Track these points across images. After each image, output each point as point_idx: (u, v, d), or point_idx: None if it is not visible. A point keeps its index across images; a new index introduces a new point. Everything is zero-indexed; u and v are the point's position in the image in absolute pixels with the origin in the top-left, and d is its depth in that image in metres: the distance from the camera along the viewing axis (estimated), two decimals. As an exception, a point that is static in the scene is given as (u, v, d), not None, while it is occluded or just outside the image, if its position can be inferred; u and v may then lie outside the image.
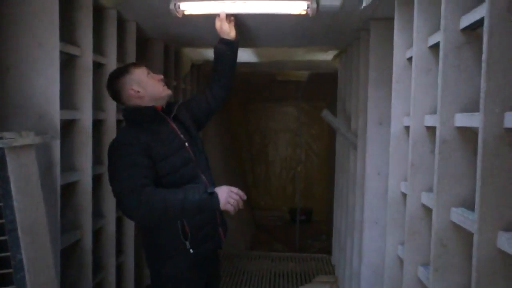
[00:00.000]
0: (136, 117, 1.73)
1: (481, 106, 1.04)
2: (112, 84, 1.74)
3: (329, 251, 4.37)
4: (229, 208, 1.61)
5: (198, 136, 1.91)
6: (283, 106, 6.24)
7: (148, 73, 1.75)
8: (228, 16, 2.03)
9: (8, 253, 1.36)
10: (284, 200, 6.26)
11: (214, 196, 1.59)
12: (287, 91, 5.74)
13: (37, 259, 1.41)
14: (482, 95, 1.04)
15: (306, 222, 5.86)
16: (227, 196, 1.60)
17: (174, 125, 1.78)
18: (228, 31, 2.02)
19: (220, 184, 1.67)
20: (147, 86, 1.71)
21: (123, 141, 1.67)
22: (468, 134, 1.31)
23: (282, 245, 5.08)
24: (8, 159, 1.35)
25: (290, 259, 4.32)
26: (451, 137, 1.33)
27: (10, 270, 1.35)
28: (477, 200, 1.07)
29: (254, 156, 6.30)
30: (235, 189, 1.63)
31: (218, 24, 2.02)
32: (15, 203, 1.35)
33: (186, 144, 1.76)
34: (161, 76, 1.78)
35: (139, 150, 1.61)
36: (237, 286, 3.61)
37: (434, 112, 1.54)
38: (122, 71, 1.75)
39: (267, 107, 6.27)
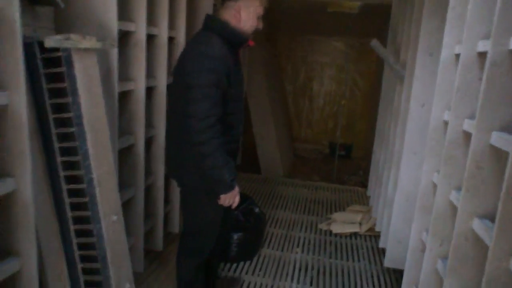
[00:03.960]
0: (232, 38, 1.73)
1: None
2: None
3: (365, 186, 4.46)
4: (222, 202, 1.78)
5: None
6: (331, 40, 6.07)
7: (260, 7, 1.76)
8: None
9: (76, 144, 1.54)
10: (325, 134, 6.30)
11: (230, 187, 1.74)
12: (337, 24, 5.55)
13: (99, 150, 1.59)
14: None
15: (345, 158, 5.94)
16: (230, 198, 1.77)
17: (240, 59, 1.83)
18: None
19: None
20: (248, 19, 1.74)
21: (216, 53, 1.66)
22: (521, 57, 1.28)
23: (319, 177, 5.23)
24: (74, 59, 1.48)
25: (326, 189, 4.47)
26: (502, 60, 1.30)
27: (79, 158, 1.54)
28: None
29: (298, 89, 6.30)
30: (235, 200, 1.81)
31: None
32: (81, 100, 1.51)
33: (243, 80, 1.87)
34: (262, 12, 1.78)
35: (225, 68, 1.66)
36: (274, 207, 3.83)
37: (487, 38, 1.49)
38: None
39: (315, 40, 6.12)
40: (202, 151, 1.65)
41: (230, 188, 1.74)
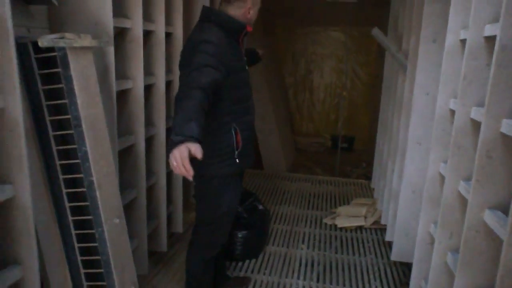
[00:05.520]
0: (230, 26, 1.77)
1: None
2: None
3: (369, 178, 4.42)
4: (171, 164, 1.44)
5: None
6: (330, 31, 6.00)
7: (261, 4, 1.90)
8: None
9: (75, 146, 1.50)
10: (326, 127, 6.25)
11: (174, 143, 1.42)
12: (336, 15, 5.48)
13: (98, 152, 1.55)
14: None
15: (347, 150, 5.89)
16: (175, 156, 1.41)
17: (242, 48, 1.87)
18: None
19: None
20: (255, 16, 1.86)
21: (213, 39, 1.70)
22: (531, 41, 1.23)
23: (322, 170, 5.19)
24: (70, 58, 1.44)
25: (329, 182, 4.43)
26: (512, 44, 1.26)
27: (78, 161, 1.51)
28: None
29: (298, 82, 6.24)
30: (184, 161, 1.40)
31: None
32: (78, 101, 1.47)
33: (246, 67, 1.90)
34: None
35: (222, 55, 1.68)
36: (277, 203, 3.79)
37: (496, 21, 1.44)
38: None
39: (314, 31, 6.05)
40: (175, 110, 1.56)
41: (172, 144, 1.44)
